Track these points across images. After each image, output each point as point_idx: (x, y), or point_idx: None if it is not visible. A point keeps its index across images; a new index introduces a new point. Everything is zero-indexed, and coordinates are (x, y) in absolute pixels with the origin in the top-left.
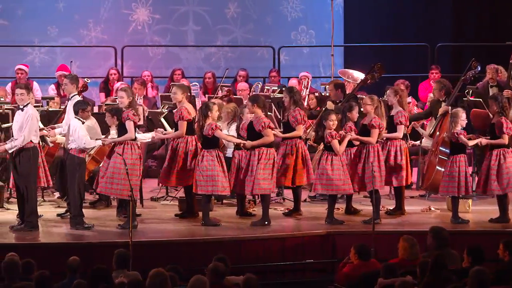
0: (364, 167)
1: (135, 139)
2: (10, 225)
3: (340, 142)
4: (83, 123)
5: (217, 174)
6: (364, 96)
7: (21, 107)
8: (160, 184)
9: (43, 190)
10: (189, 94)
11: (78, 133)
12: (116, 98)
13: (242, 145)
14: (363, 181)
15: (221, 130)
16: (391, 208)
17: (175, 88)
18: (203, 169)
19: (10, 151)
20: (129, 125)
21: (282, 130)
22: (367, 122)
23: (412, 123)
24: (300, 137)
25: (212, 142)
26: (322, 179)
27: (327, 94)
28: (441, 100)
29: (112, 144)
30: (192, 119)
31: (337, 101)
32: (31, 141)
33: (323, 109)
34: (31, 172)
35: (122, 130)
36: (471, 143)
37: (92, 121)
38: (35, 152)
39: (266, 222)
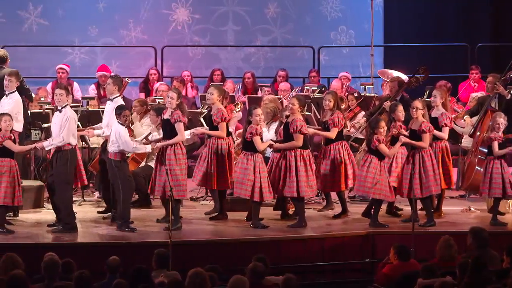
0: (421, 172)
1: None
2: (47, 224)
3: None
4: (126, 127)
5: (249, 179)
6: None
7: (59, 108)
8: (198, 185)
9: (83, 189)
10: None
11: (124, 138)
12: (156, 98)
13: (269, 146)
14: (417, 186)
15: (261, 136)
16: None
17: (212, 88)
18: (242, 172)
19: (47, 149)
20: (179, 127)
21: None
22: (417, 128)
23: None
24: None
25: (252, 145)
26: (360, 181)
27: (367, 94)
28: (491, 95)
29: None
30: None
31: (394, 98)
32: (69, 143)
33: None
34: (67, 174)
35: (168, 131)
36: (501, 152)
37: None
38: (72, 155)
39: (303, 224)
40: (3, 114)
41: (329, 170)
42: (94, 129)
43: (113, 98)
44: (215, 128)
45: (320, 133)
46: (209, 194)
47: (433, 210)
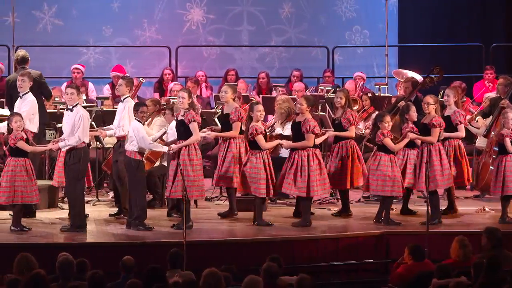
0: (427, 166)
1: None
2: (62, 226)
3: (394, 141)
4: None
5: (261, 177)
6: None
7: (70, 107)
8: (214, 185)
9: (97, 189)
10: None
11: (141, 134)
12: (171, 98)
13: (280, 145)
14: (420, 181)
15: (264, 133)
16: (443, 208)
17: (226, 87)
18: (248, 171)
19: (63, 149)
20: (194, 127)
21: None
22: (428, 121)
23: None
24: (353, 138)
25: (256, 144)
26: (373, 179)
27: (382, 94)
28: (502, 97)
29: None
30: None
31: (408, 98)
32: (83, 141)
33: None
34: (78, 172)
35: (182, 131)
36: None
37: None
38: (86, 152)
39: (307, 223)
40: (14, 114)
41: (336, 167)
42: (104, 130)
43: (124, 99)
44: (230, 127)
45: (341, 134)
46: (224, 194)
47: (447, 208)
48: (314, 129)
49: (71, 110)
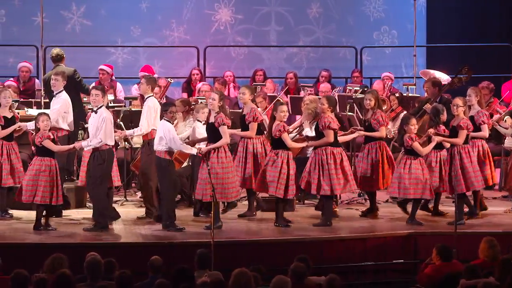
0: (457, 169)
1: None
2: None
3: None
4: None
5: (282, 177)
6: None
7: (95, 109)
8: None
9: (125, 189)
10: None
11: (172, 134)
12: (199, 98)
13: (306, 146)
14: (450, 183)
15: (289, 132)
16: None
17: (244, 88)
18: (269, 170)
19: (86, 149)
20: (224, 130)
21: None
22: (457, 124)
23: (492, 121)
24: (383, 139)
25: (280, 142)
26: (400, 182)
27: (409, 94)
28: None
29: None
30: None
31: (434, 100)
32: (106, 144)
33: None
34: (102, 174)
35: (212, 134)
36: None
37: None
38: (110, 155)
39: (328, 223)
40: (41, 113)
41: (366, 169)
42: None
43: (147, 98)
44: (248, 128)
45: (371, 134)
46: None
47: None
48: (330, 125)
49: (96, 112)
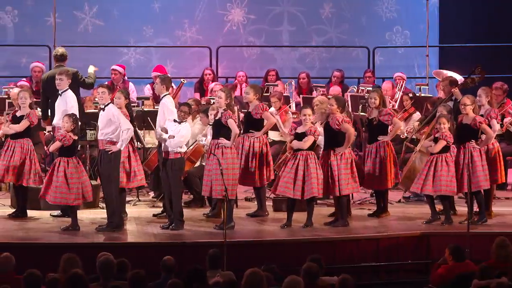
0: (469, 167)
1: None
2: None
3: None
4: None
5: (299, 178)
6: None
7: (102, 106)
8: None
9: (138, 189)
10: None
11: (182, 134)
12: (211, 98)
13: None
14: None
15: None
16: (477, 210)
17: (248, 88)
18: (289, 172)
19: (122, 148)
20: (231, 122)
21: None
22: (469, 122)
23: (505, 122)
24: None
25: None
26: (435, 180)
27: (422, 95)
28: None
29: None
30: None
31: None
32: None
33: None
34: (111, 173)
35: (219, 131)
36: None
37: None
38: (117, 153)
39: (346, 223)
40: (67, 114)
41: (375, 168)
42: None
43: (162, 97)
44: (255, 126)
45: (393, 133)
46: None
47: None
48: (345, 118)
49: (103, 109)
